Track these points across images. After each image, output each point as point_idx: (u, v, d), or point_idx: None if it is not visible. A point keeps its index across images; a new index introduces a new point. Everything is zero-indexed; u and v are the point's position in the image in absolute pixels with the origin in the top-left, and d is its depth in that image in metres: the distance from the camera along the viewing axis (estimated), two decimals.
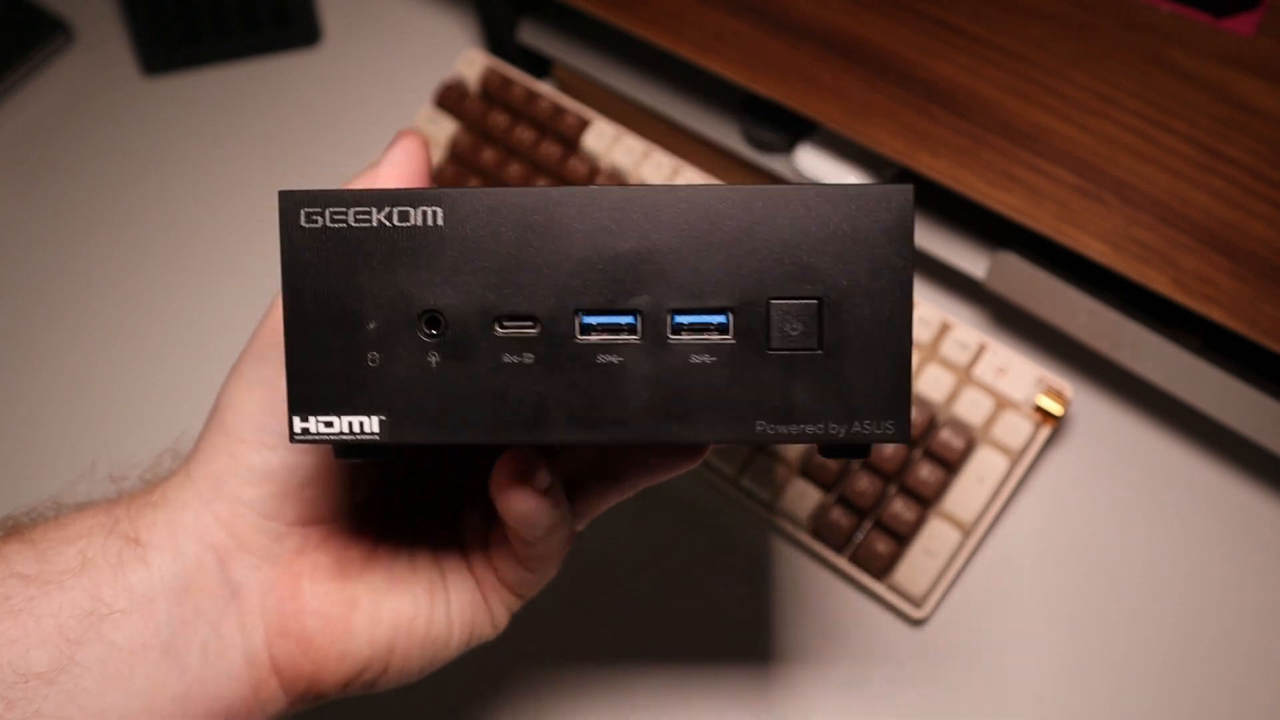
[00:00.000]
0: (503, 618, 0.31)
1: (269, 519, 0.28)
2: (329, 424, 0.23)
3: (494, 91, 0.56)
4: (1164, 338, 0.42)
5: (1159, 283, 0.40)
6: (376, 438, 0.23)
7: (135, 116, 0.63)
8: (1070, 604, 0.44)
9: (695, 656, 0.44)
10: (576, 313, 0.23)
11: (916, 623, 0.44)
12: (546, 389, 0.23)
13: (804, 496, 0.45)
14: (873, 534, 0.44)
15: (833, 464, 0.45)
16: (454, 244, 0.22)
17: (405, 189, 0.23)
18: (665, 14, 0.48)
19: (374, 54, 0.64)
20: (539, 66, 0.59)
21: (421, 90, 0.60)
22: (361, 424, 0.23)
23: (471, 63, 0.57)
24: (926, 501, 0.44)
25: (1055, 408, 0.44)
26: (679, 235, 0.22)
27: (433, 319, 0.22)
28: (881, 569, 0.43)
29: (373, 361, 0.22)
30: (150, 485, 0.29)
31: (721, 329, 0.23)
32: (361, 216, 0.22)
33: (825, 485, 0.45)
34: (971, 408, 0.45)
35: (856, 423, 0.23)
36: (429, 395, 0.23)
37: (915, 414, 0.45)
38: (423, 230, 0.22)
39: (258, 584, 0.28)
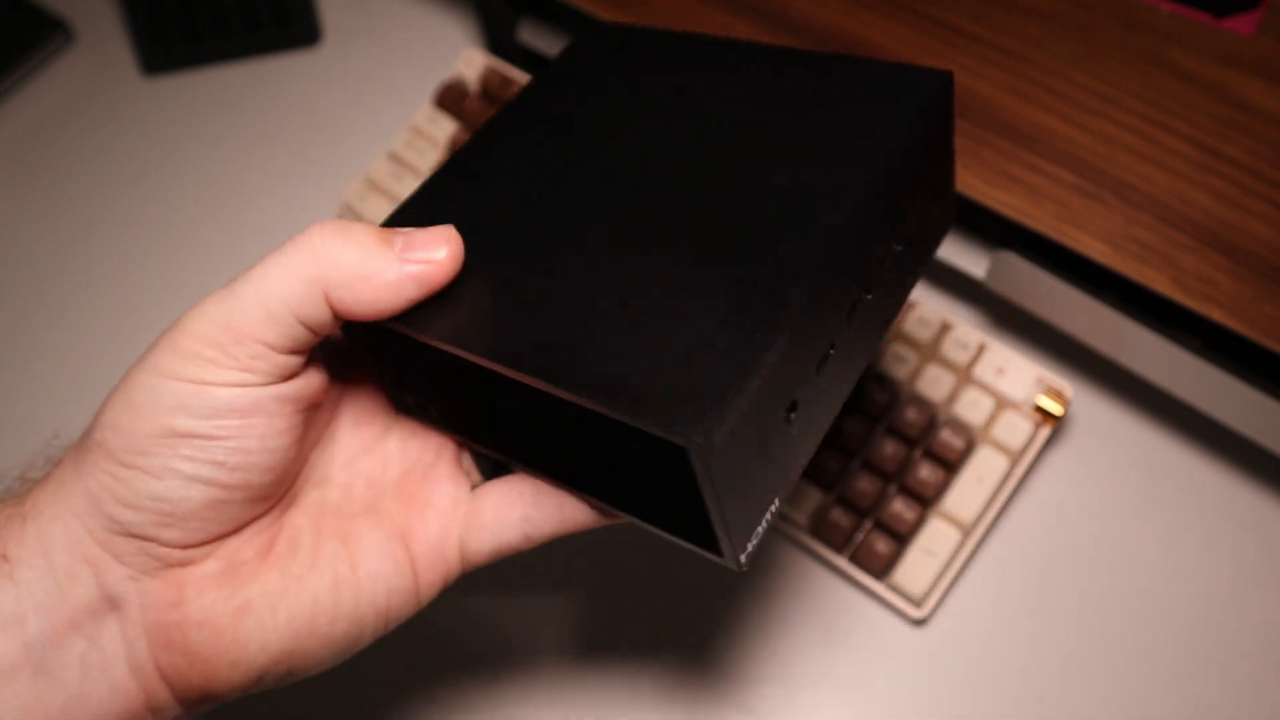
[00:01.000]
0: (434, 593, 0.29)
1: (147, 540, 0.26)
2: None
3: (494, 91, 0.56)
4: (1164, 338, 0.42)
5: (1159, 283, 0.40)
6: None
7: (135, 116, 0.63)
8: (1070, 604, 0.44)
9: (695, 656, 0.44)
10: None
11: (916, 623, 0.44)
12: None
13: (804, 496, 0.45)
14: (873, 534, 0.44)
15: (833, 464, 0.45)
16: None
17: None
18: (665, 14, 0.48)
19: (374, 54, 0.64)
20: (539, 66, 0.59)
21: (421, 90, 0.60)
22: None
23: (471, 63, 0.57)
24: (926, 501, 0.44)
25: (1055, 408, 0.44)
26: None
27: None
28: (881, 569, 0.43)
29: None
30: (20, 497, 0.27)
31: None
32: None
33: (825, 485, 0.45)
34: (971, 408, 0.45)
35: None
36: None
37: (915, 414, 0.45)
38: None
39: (137, 595, 0.26)
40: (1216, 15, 0.42)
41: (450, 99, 0.56)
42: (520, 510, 0.29)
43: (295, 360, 0.26)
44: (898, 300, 0.28)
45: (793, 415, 0.24)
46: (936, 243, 0.30)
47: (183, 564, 0.26)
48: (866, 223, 0.25)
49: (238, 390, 0.25)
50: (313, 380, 0.27)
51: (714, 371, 0.22)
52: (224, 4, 0.65)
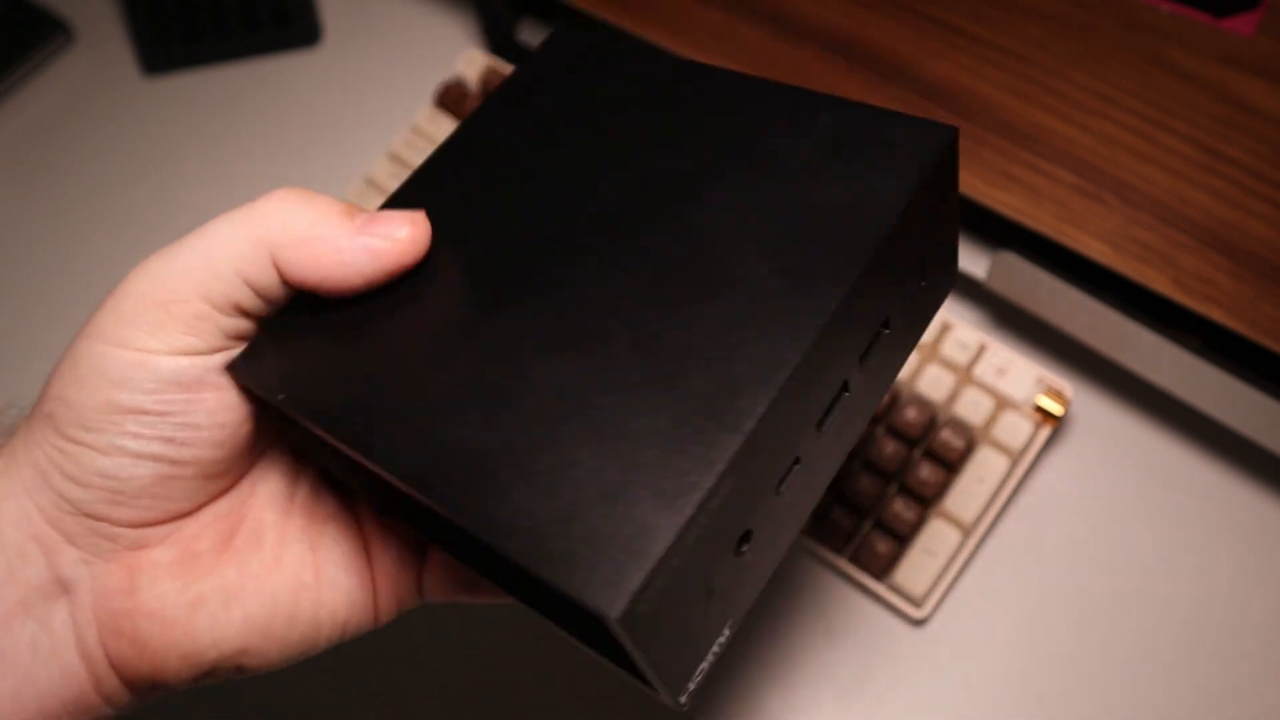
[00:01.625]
0: (390, 614, 0.28)
1: (98, 519, 0.25)
2: None
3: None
4: (1164, 338, 0.42)
5: (1159, 283, 0.40)
6: None
7: (135, 116, 0.63)
8: (1070, 604, 0.44)
9: None
10: None
11: (916, 623, 0.44)
12: None
13: None
14: (873, 534, 0.44)
15: None
16: None
17: None
18: (665, 14, 0.48)
19: (374, 54, 0.64)
20: None
21: (421, 90, 0.60)
22: None
23: (471, 63, 0.57)
24: (927, 501, 0.44)
25: (1055, 408, 0.44)
26: None
27: None
28: (881, 569, 0.43)
29: None
30: None
31: None
32: None
33: None
34: (972, 408, 0.45)
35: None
36: None
37: (916, 413, 0.45)
38: None
39: (89, 579, 0.25)
40: (1216, 15, 0.42)
41: (450, 99, 0.56)
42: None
43: (242, 325, 0.25)
44: (885, 383, 0.24)
45: (745, 546, 0.21)
46: (933, 309, 0.26)
47: (137, 547, 0.25)
48: (846, 318, 0.21)
49: (183, 361, 0.24)
50: None
51: (644, 516, 0.18)
52: (224, 4, 0.65)
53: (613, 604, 0.18)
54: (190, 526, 0.26)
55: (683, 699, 0.21)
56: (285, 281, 0.25)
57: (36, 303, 0.57)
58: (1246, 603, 0.43)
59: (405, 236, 0.25)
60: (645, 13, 0.49)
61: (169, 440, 0.24)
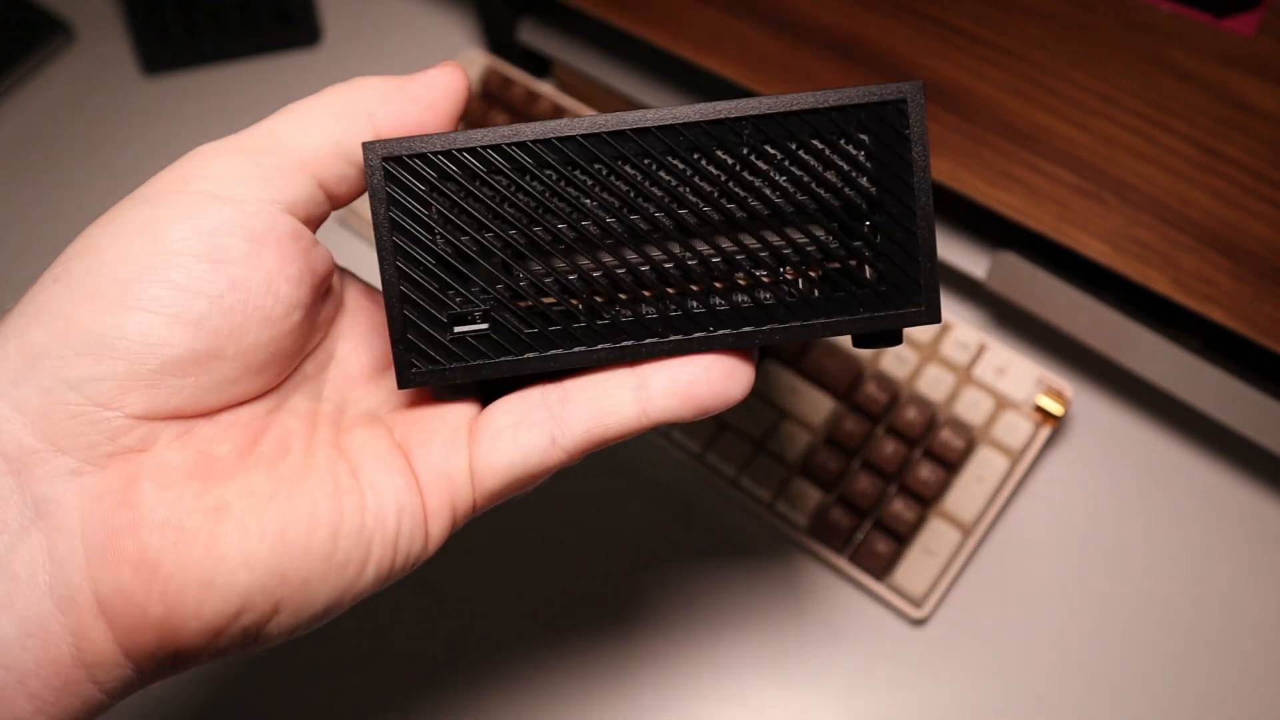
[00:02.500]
0: (442, 529, 0.23)
1: (104, 407, 0.20)
2: None
3: (494, 91, 0.56)
4: (1164, 338, 0.42)
5: (1159, 283, 0.40)
6: None
7: (135, 116, 0.63)
8: (1070, 604, 0.44)
9: (694, 656, 0.44)
10: None
11: (916, 623, 0.44)
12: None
13: (804, 496, 0.45)
14: (873, 534, 0.44)
15: (833, 464, 0.45)
16: None
17: None
18: (665, 14, 0.48)
19: (374, 54, 0.64)
20: (539, 66, 0.59)
21: None
22: None
23: (472, 63, 0.57)
24: (926, 501, 0.44)
25: (1055, 408, 0.44)
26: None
27: None
28: (881, 569, 0.43)
29: None
30: None
31: None
32: None
33: (825, 485, 0.45)
34: (972, 407, 0.45)
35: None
36: None
37: (915, 414, 0.45)
38: None
39: (77, 494, 0.19)
40: (1217, 15, 0.42)
41: None
42: (543, 408, 0.23)
43: (322, 207, 0.23)
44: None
45: None
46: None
47: (141, 449, 0.20)
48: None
49: (251, 205, 0.21)
50: (324, 253, 0.23)
51: None
52: (224, 3, 0.64)
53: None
54: (205, 429, 0.22)
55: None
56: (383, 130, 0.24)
57: None
58: (1246, 602, 0.43)
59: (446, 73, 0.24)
60: (645, 13, 0.49)
61: (216, 300, 0.20)
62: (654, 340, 0.24)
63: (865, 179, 0.24)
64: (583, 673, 0.44)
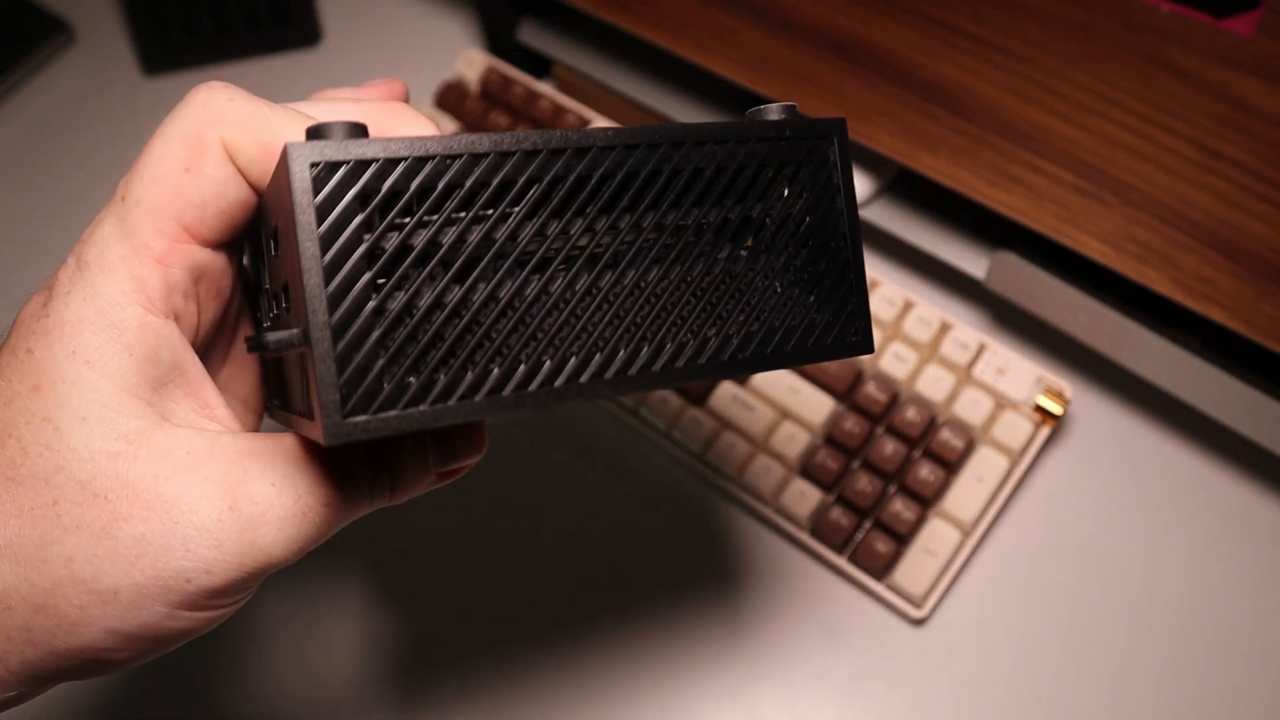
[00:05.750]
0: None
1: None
2: None
3: (494, 91, 0.56)
4: (1164, 338, 0.42)
5: (1159, 283, 0.40)
6: None
7: (135, 116, 0.63)
8: (1070, 604, 0.44)
9: (694, 656, 0.44)
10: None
11: (916, 623, 0.44)
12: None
13: (804, 496, 0.45)
14: (873, 534, 0.44)
15: (833, 464, 0.45)
16: None
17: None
18: (665, 14, 0.48)
19: (374, 54, 0.64)
20: (539, 66, 0.59)
21: (422, 90, 0.60)
22: None
23: (472, 63, 0.57)
24: (926, 501, 0.44)
25: (1055, 408, 0.44)
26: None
27: None
28: (881, 569, 0.43)
29: None
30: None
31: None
32: None
33: (825, 485, 0.45)
34: (971, 408, 0.45)
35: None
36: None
37: (915, 414, 0.45)
38: None
39: None
40: (1216, 15, 0.42)
41: (451, 99, 0.56)
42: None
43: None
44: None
45: None
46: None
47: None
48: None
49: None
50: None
51: None
52: (224, 4, 0.65)
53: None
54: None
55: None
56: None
57: None
58: (1246, 602, 0.43)
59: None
60: (645, 13, 0.49)
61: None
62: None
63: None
64: (582, 672, 0.44)
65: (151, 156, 0.24)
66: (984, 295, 0.50)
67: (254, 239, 0.27)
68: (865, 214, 0.49)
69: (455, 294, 0.21)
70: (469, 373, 0.21)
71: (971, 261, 0.47)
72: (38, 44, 0.65)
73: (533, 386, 0.21)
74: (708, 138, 0.23)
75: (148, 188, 0.24)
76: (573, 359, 0.22)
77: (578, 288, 0.22)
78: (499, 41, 0.59)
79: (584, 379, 0.22)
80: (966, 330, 0.46)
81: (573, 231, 0.22)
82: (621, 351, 0.22)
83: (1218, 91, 0.41)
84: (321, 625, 0.45)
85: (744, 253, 0.23)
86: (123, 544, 0.22)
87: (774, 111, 0.24)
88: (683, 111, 0.53)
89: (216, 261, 0.26)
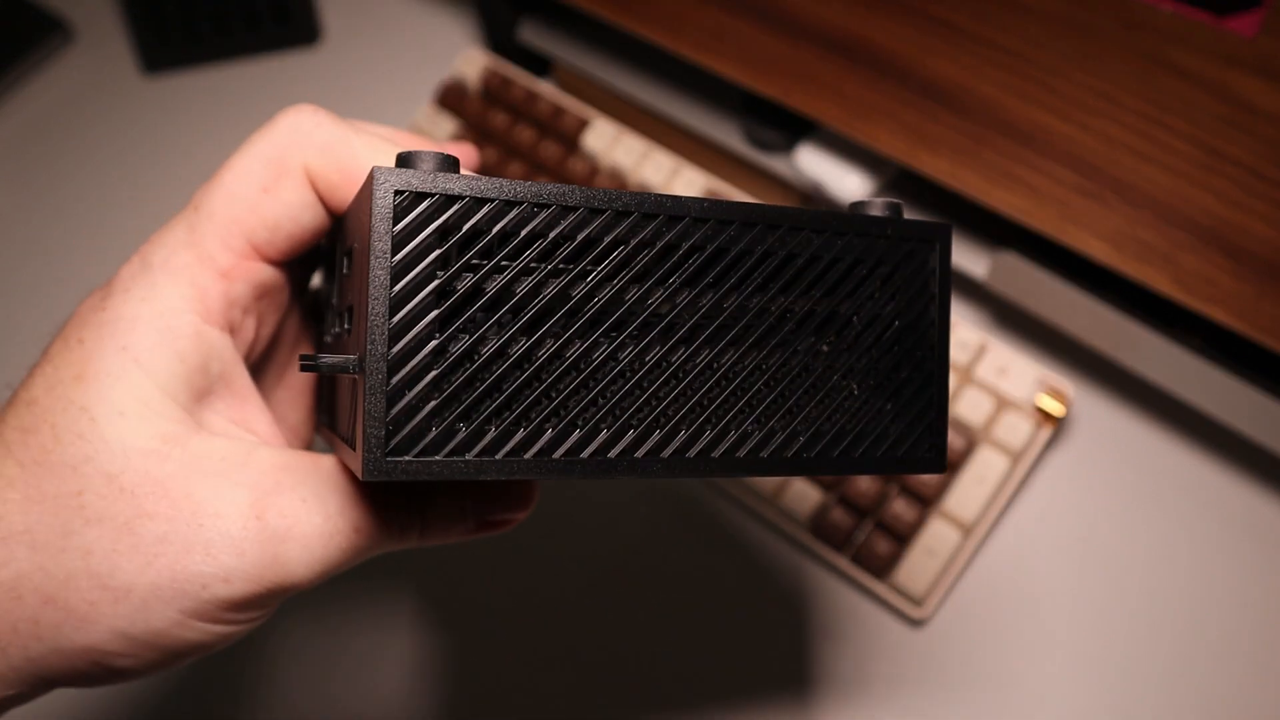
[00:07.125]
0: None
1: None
2: None
3: (494, 91, 0.56)
4: (1165, 338, 0.42)
5: (1160, 282, 0.40)
6: None
7: (135, 115, 0.63)
8: (1071, 604, 0.44)
9: (694, 656, 0.44)
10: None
11: (917, 623, 0.44)
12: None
13: (804, 496, 0.45)
14: (873, 534, 0.44)
15: None
16: None
17: None
18: (665, 13, 0.48)
19: (374, 53, 0.64)
20: (539, 66, 0.59)
21: (421, 90, 0.60)
22: None
23: (471, 62, 0.57)
24: (927, 501, 0.44)
25: (1056, 408, 0.44)
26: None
27: None
28: (882, 569, 0.43)
29: None
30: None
31: None
32: None
33: (825, 485, 0.45)
34: (972, 408, 0.45)
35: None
36: None
37: None
38: None
39: None
40: (1218, 15, 0.42)
41: (450, 99, 0.56)
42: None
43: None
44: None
45: None
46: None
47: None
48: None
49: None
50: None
51: None
52: (224, 3, 0.64)
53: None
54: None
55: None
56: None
57: (35, 302, 0.57)
58: (1246, 602, 0.43)
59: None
60: (645, 12, 0.49)
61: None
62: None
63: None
64: (582, 672, 0.44)
65: (232, 171, 0.25)
66: (985, 295, 0.50)
67: (328, 256, 0.27)
68: None
69: (521, 346, 0.20)
70: (521, 429, 0.20)
71: (972, 261, 0.47)
72: (36, 43, 0.64)
73: (585, 454, 0.20)
74: (806, 224, 0.22)
75: (223, 202, 0.24)
76: (631, 431, 0.21)
77: (648, 359, 0.21)
78: (499, 41, 0.59)
79: (640, 454, 0.21)
80: (968, 330, 0.46)
81: (651, 300, 0.21)
82: (683, 432, 0.21)
83: (1219, 91, 0.41)
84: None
85: (825, 348, 0.22)
86: (144, 541, 0.21)
87: (878, 207, 0.23)
88: (682, 111, 0.53)
89: (278, 279, 0.26)
